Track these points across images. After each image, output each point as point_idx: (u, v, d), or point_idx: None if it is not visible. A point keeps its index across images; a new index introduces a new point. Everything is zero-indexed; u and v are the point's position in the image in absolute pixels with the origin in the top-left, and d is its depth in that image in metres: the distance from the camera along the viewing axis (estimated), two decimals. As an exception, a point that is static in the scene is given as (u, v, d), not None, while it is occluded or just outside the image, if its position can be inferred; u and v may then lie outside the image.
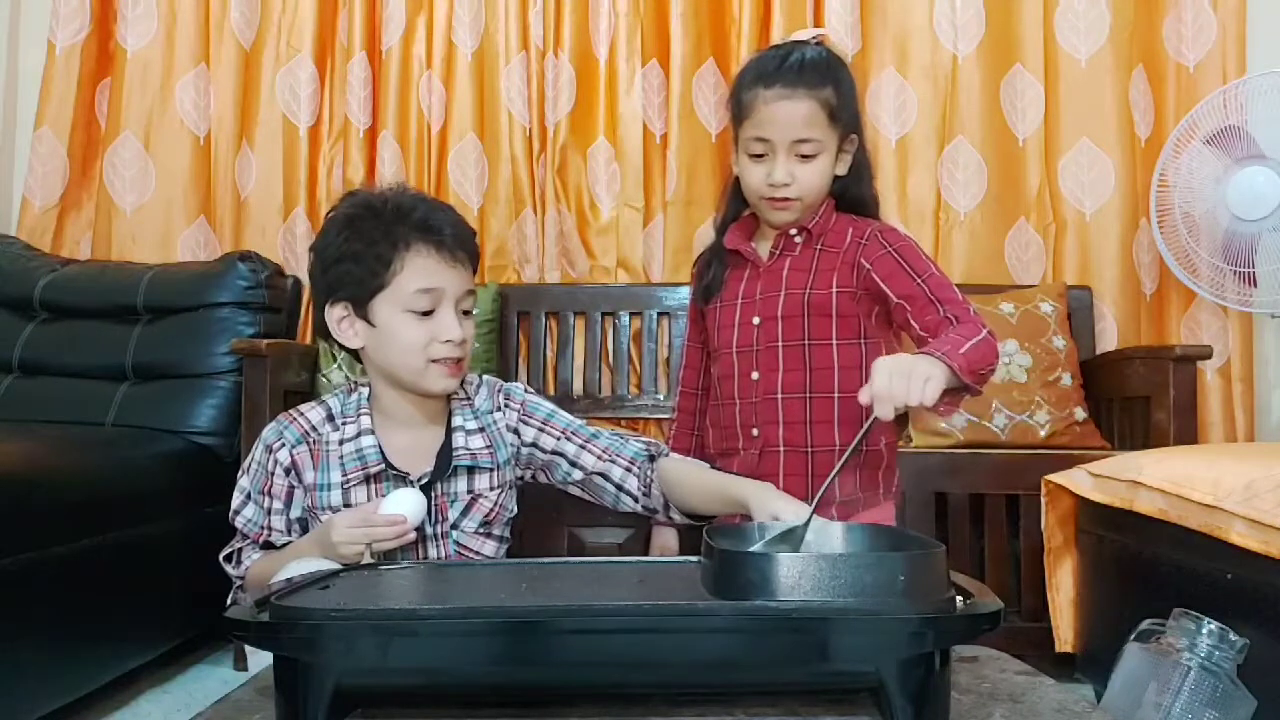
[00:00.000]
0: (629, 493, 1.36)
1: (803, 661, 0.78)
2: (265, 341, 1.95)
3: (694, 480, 1.34)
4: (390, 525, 1.16)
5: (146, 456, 1.86)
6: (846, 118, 1.39)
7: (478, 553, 1.32)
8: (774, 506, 1.12)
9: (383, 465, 1.27)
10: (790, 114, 1.35)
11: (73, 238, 2.49)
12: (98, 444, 1.83)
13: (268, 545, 1.30)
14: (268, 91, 2.45)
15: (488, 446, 1.33)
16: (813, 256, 1.42)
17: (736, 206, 1.50)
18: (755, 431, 1.42)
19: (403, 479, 1.28)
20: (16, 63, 2.58)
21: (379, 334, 1.25)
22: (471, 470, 1.31)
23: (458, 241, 1.26)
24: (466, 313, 1.29)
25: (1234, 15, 2.35)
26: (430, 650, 0.77)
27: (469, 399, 1.37)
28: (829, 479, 1.03)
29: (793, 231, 1.43)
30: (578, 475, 1.37)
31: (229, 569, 1.32)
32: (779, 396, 1.40)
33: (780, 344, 1.41)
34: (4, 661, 1.37)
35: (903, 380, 1.09)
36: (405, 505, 1.18)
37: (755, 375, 1.42)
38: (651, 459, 1.37)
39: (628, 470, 1.36)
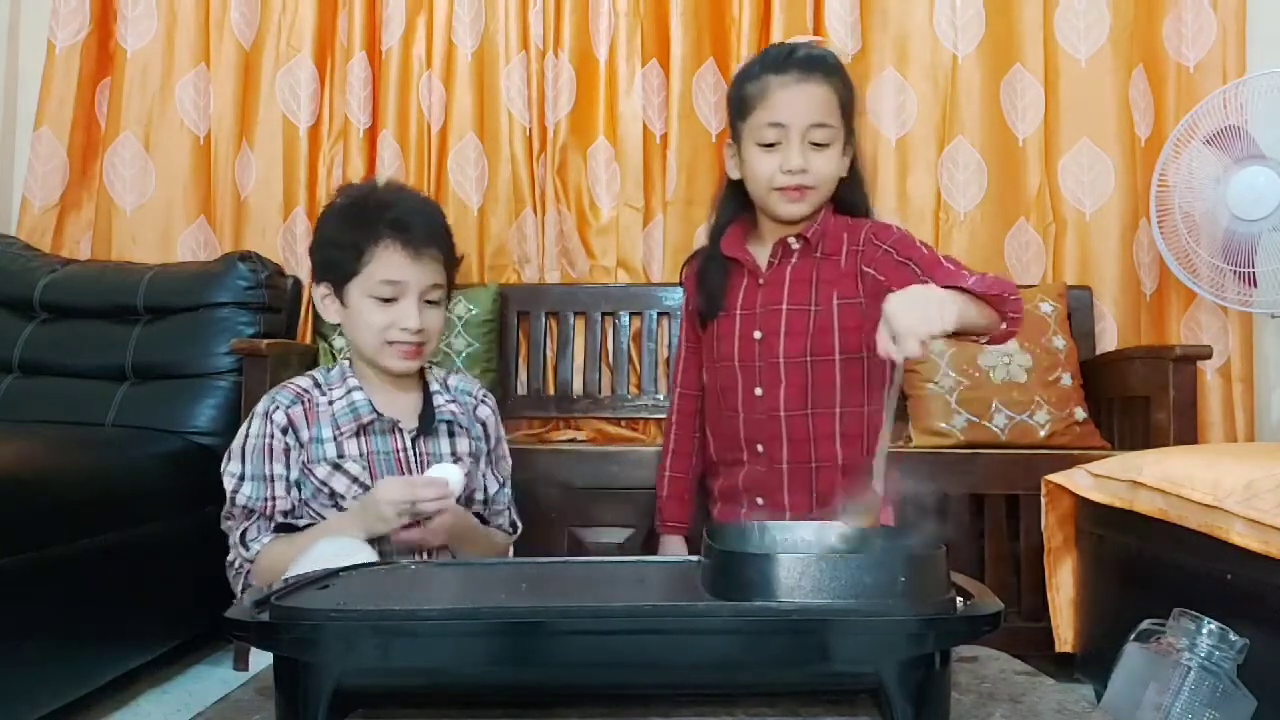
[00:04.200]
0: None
1: (803, 662, 0.78)
2: (265, 341, 1.96)
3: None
4: (432, 486, 1.24)
5: (146, 456, 1.86)
6: (852, 114, 1.38)
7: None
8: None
9: (375, 415, 1.35)
10: (809, 97, 1.33)
11: (73, 238, 2.49)
12: (98, 444, 1.83)
13: (281, 527, 1.30)
14: (268, 91, 2.44)
15: (463, 413, 1.43)
16: (813, 266, 1.39)
17: (730, 212, 1.46)
18: (760, 448, 1.43)
19: (394, 427, 1.36)
20: (16, 63, 2.57)
21: (350, 314, 1.38)
22: (451, 430, 1.41)
23: (427, 239, 1.36)
24: (433, 303, 1.38)
25: (1234, 15, 2.35)
26: (430, 650, 0.77)
27: (440, 379, 1.46)
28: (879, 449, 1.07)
29: (791, 239, 1.41)
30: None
31: (241, 553, 1.31)
32: (782, 414, 1.41)
33: (782, 360, 1.40)
34: (4, 661, 1.36)
35: (919, 309, 1.05)
36: (447, 473, 1.26)
37: (759, 391, 1.41)
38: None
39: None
